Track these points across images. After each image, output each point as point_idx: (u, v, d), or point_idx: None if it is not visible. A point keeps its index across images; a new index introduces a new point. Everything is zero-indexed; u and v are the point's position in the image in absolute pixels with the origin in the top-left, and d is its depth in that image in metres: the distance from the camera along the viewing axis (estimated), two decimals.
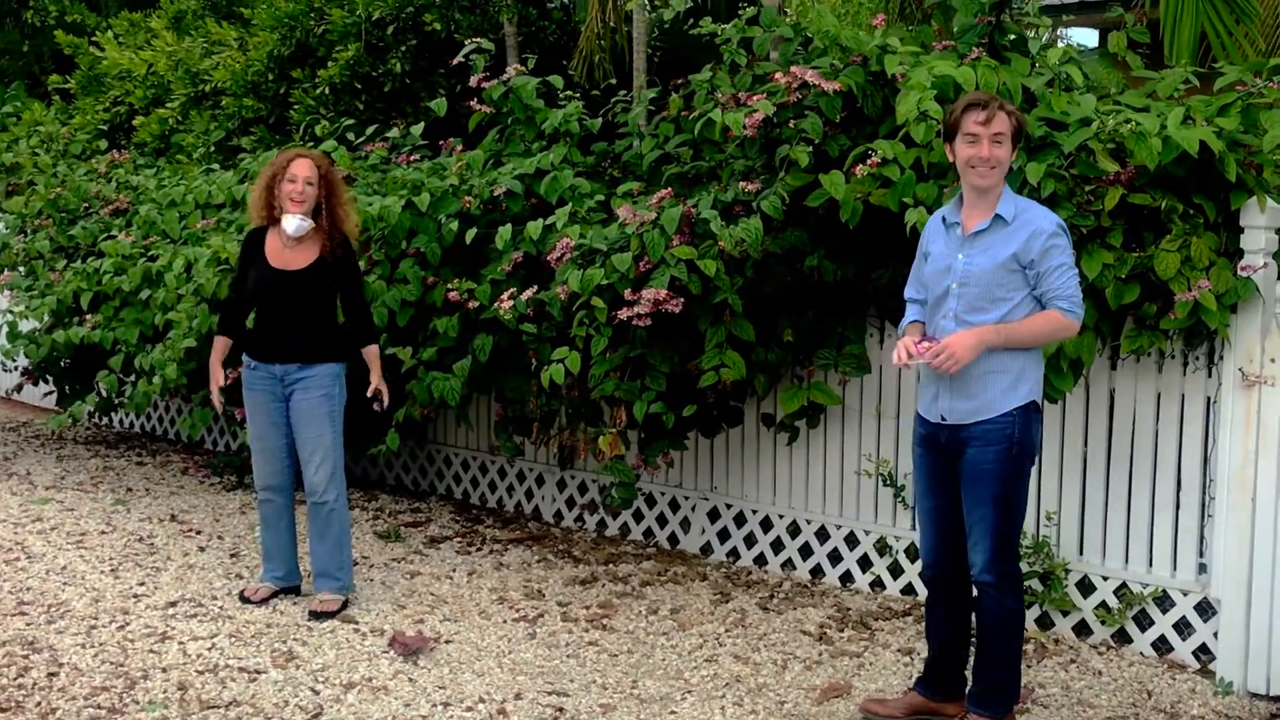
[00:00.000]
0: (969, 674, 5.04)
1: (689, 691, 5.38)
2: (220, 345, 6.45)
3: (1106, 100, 5.88)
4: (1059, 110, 5.69)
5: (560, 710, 5.15)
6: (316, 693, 5.29)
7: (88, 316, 8.54)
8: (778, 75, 6.06)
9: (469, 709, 5.16)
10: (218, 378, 6.40)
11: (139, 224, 8.84)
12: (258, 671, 5.50)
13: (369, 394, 6.39)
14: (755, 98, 6.04)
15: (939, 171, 5.71)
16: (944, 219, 4.85)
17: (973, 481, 4.75)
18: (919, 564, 6.44)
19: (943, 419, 4.80)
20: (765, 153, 6.23)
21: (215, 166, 9.31)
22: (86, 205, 9.62)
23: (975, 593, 4.85)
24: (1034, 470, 5.07)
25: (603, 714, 5.13)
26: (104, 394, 8.77)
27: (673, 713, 5.16)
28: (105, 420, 11.16)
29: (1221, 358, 5.52)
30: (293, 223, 6.11)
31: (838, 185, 5.68)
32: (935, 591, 5.01)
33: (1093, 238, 5.45)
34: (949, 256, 4.78)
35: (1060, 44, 6.10)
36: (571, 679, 5.50)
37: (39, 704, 5.10)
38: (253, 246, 6.30)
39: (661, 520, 7.55)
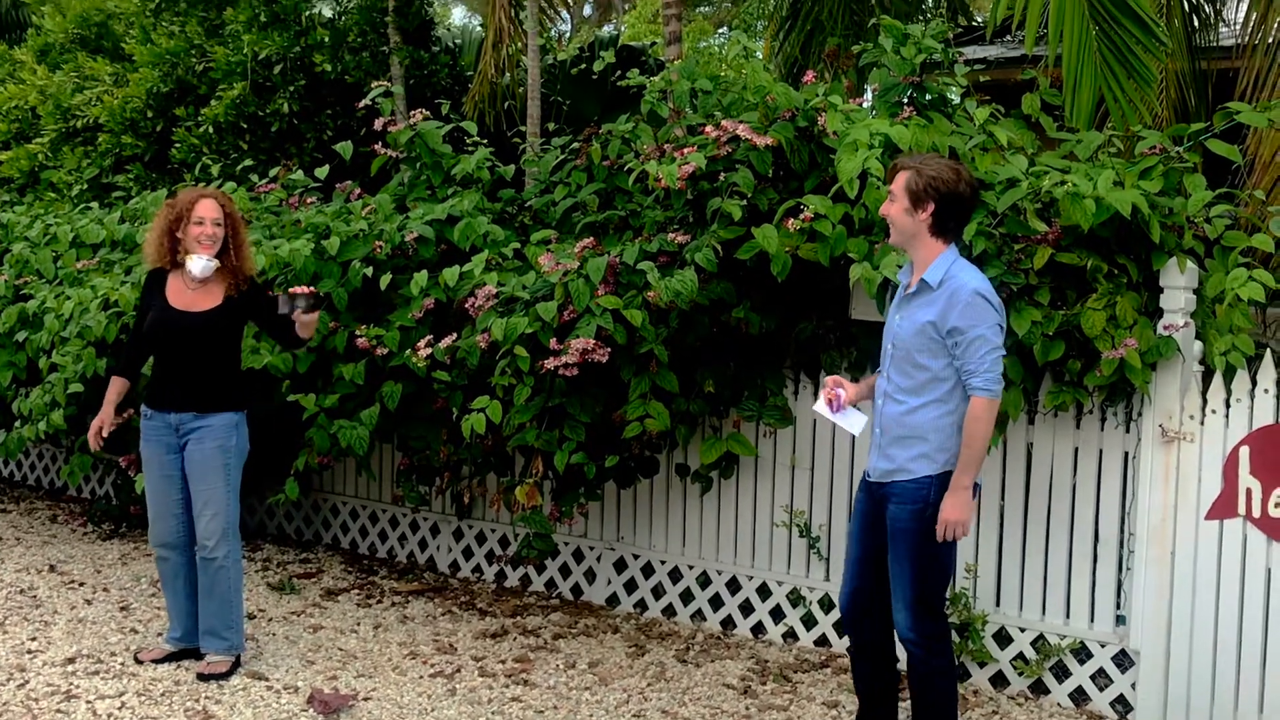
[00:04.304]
0: None
1: None
2: (117, 385, 6.18)
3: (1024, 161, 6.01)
4: (984, 170, 5.80)
5: None
6: None
7: None
8: (708, 128, 6.07)
9: None
10: (108, 417, 6.11)
11: (11, 263, 8.48)
12: None
13: (291, 290, 5.95)
14: (684, 150, 6.04)
15: (867, 226, 5.78)
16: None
17: (892, 538, 4.80)
18: (833, 615, 6.50)
19: (866, 475, 4.88)
20: (692, 205, 6.23)
21: (93, 205, 9.00)
22: None
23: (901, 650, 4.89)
24: None
25: None
26: None
27: None
28: None
29: (1140, 414, 5.66)
30: (199, 264, 5.88)
31: (771, 239, 5.70)
32: (854, 641, 5.04)
33: (1021, 295, 5.56)
34: (891, 316, 4.85)
35: (974, 105, 6.20)
36: None
37: None
38: (153, 287, 6.06)
39: (564, 571, 7.46)
